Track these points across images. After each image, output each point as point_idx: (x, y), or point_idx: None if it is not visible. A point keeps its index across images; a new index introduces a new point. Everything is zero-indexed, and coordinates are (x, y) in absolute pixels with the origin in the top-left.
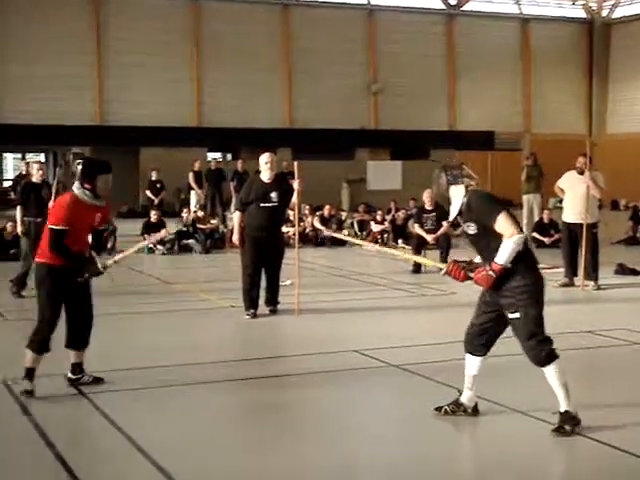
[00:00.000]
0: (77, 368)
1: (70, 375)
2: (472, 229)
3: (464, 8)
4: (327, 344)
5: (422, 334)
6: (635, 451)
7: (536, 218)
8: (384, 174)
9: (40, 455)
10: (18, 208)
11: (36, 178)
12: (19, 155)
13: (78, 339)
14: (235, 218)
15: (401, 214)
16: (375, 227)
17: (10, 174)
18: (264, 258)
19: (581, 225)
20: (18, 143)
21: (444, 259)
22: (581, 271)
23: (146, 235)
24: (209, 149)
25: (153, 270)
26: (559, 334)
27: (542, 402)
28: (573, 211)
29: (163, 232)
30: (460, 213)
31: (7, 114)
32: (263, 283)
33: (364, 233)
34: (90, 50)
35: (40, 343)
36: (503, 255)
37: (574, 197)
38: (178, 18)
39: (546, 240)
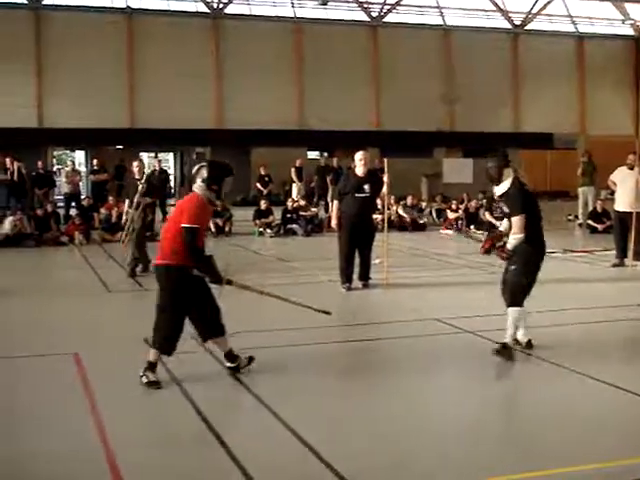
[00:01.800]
0: (230, 355)
1: (229, 364)
2: (505, 209)
3: (527, 27)
4: (412, 313)
5: (491, 306)
6: None
7: (590, 208)
8: (457, 169)
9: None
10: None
11: (138, 175)
12: (152, 154)
13: (216, 326)
14: (334, 206)
15: (473, 204)
16: (450, 214)
17: (146, 170)
18: (358, 240)
19: (631, 213)
20: (152, 144)
21: None
22: (630, 253)
23: (256, 220)
24: (308, 148)
25: (265, 249)
26: (611, 307)
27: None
28: (623, 201)
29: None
30: (503, 194)
31: (142, 121)
32: (357, 261)
33: (441, 219)
34: (211, 68)
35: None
36: (510, 244)
37: (625, 189)
38: (284, 40)
39: (599, 227)
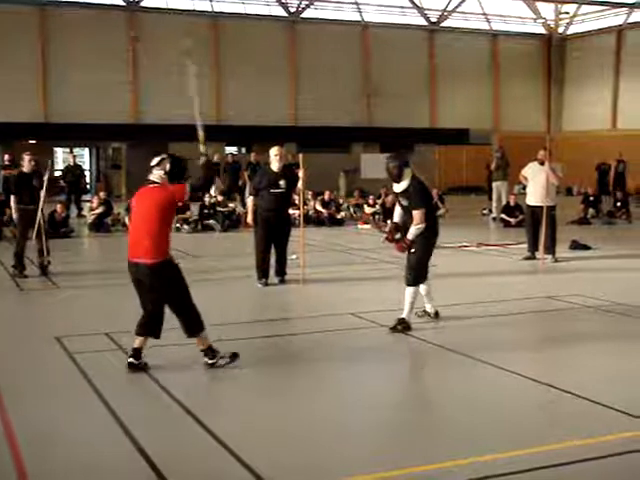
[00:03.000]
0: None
1: (208, 360)
2: (404, 203)
3: (443, 24)
4: (327, 308)
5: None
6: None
7: (504, 202)
8: (375, 164)
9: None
10: (12, 197)
11: (27, 168)
12: (67, 149)
13: (200, 321)
14: (249, 202)
15: (390, 198)
16: (368, 209)
17: (60, 165)
18: (274, 236)
19: (542, 207)
20: (66, 138)
21: None
22: (541, 246)
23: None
24: (227, 143)
25: (181, 245)
26: (524, 299)
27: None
28: (535, 196)
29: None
30: (403, 191)
31: (57, 115)
32: (273, 257)
33: (359, 214)
34: (127, 61)
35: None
36: (411, 234)
37: (536, 184)
38: (202, 35)
39: (512, 221)
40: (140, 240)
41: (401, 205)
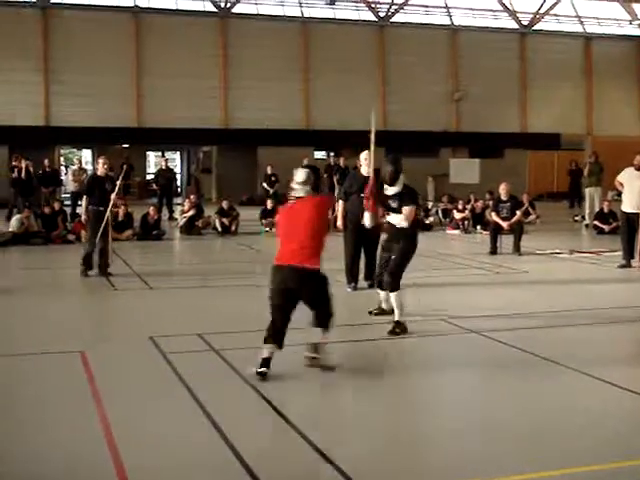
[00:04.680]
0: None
1: (313, 354)
2: (394, 205)
3: (535, 27)
4: (419, 313)
5: (495, 306)
6: None
7: (597, 208)
8: (464, 170)
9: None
10: (84, 198)
11: (100, 172)
12: (159, 153)
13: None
14: (339, 206)
15: (479, 204)
16: (457, 215)
17: (152, 169)
18: (363, 240)
19: (638, 214)
20: (159, 143)
21: (517, 244)
22: (637, 254)
23: (263, 220)
24: (315, 148)
25: (271, 249)
26: (617, 307)
27: None
28: (631, 202)
29: None
30: (396, 194)
31: (150, 120)
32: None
33: (447, 219)
34: (218, 68)
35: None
36: (393, 220)
37: (632, 190)
38: (290, 43)
39: (606, 228)
40: (302, 248)
41: (389, 207)
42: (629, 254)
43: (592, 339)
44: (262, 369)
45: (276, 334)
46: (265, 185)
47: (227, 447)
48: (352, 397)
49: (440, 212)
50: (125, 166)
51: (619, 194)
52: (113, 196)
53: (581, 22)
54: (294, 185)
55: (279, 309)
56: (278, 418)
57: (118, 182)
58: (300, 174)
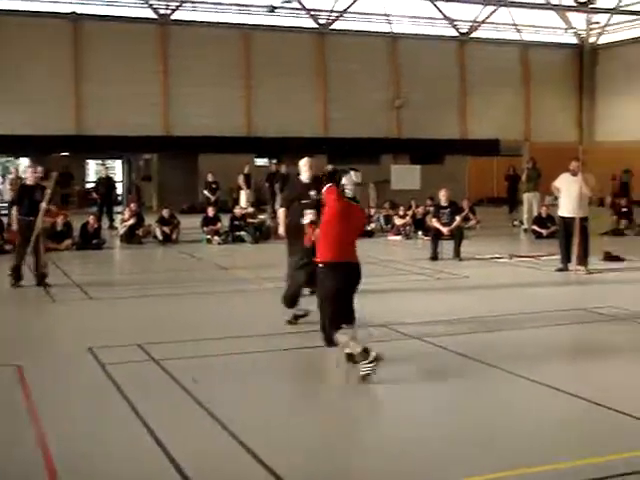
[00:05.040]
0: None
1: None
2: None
3: (473, 35)
4: (361, 320)
5: (439, 312)
6: None
7: (535, 213)
8: (405, 176)
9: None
10: (13, 207)
11: (30, 181)
12: (99, 161)
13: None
14: (280, 213)
15: (420, 210)
16: (398, 221)
17: (92, 177)
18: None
19: (574, 219)
20: (99, 151)
21: (457, 249)
22: (574, 258)
23: (204, 228)
24: (257, 155)
25: (211, 257)
26: (555, 310)
27: None
28: (567, 207)
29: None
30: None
31: (89, 128)
32: None
33: (389, 226)
34: (159, 75)
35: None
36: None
37: (568, 195)
38: (231, 50)
39: (544, 232)
40: (353, 245)
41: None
42: (566, 258)
43: (532, 342)
44: (373, 356)
45: (348, 316)
46: (206, 192)
47: (164, 455)
48: (292, 404)
49: (382, 218)
50: (55, 174)
51: (556, 199)
52: (43, 205)
53: (518, 30)
54: (350, 185)
55: (345, 295)
56: (216, 424)
57: (48, 190)
58: (355, 176)
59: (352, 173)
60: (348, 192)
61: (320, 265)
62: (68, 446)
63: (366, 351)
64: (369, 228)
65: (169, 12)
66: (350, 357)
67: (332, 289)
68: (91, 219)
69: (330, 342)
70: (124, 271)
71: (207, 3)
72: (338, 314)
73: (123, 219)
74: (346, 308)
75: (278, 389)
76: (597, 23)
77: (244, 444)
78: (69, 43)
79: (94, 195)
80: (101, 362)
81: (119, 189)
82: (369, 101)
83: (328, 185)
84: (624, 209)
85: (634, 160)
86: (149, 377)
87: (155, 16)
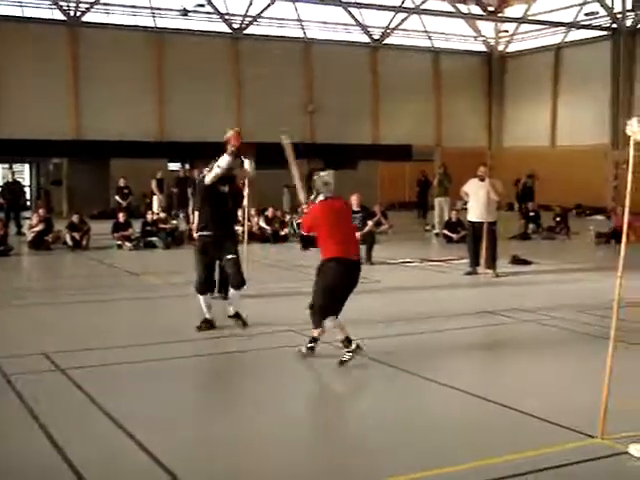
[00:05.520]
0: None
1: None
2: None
3: (386, 42)
4: (268, 324)
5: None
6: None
7: (446, 217)
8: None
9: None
10: None
11: None
12: (6, 165)
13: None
14: (195, 218)
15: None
16: None
17: None
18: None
19: (482, 223)
20: (6, 154)
21: (369, 253)
22: (482, 261)
23: (115, 233)
24: (169, 160)
25: (122, 263)
26: (463, 314)
27: None
28: (475, 212)
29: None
30: None
31: None
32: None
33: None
34: (69, 78)
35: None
36: None
37: (477, 200)
38: (143, 53)
39: (454, 236)
40: (355, 243)
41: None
42: (475, 261)
43: (442, 345)
44: (355, 345)
45: (336, 308)
46: (117, 198)
47: (64, 462)
48: (196, 407)
49: (295, 223)
50: None
51: (466, 203)
52: None
53: (429, 37)
54: (326, 186)
55: (342, 288)
56: (118, 431)
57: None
58: (329, 176)
59: (322, 174)
60: (328, 192)
61: (324, 259)
62: None
63: (348, 340)
64: (282, 233)
65: (79, 14)
66: (346, 341)
67: (331, 283)
68: None
69: (314, 323)
70: (31, 278)
71: (120, 6)
72: (329, 306)
73: (31, 225)
74: (337, 302)
75: (182, 395)
76: (505, 32)
77: (152, 454)
78: None
79: (0, 200)
80: (4, 372)
81: (27, 194)
82: (283, 106)
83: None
84: (532, 213)
85: (539, 165)
86: (54, 387)
87: (64, 17)
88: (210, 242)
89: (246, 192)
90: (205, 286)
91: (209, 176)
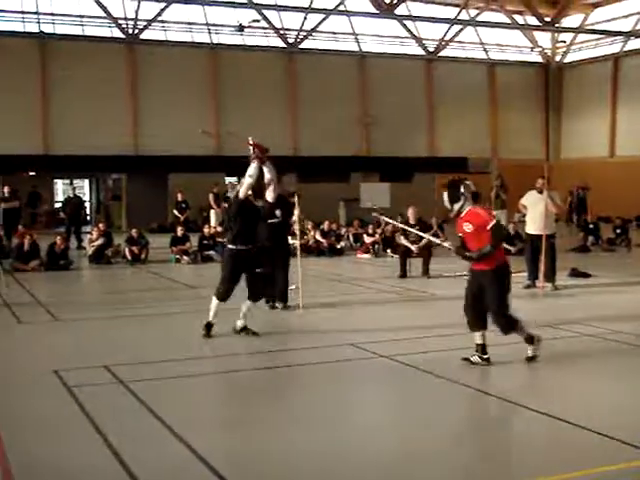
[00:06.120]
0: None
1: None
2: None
3: (441, 54)
4: (325, 337)
5: (406, 327)
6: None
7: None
8: (374, 194)
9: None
10: None
11: None
12: (67, 180)
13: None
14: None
15: (389, 228)
16: (367, 239)
17: (60, 196)
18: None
19: (541, 236)
20: (66, 170)
21: (426, 267)
22: (541, 275)
23: (173, 247)
24: (226, 174)
25: (180, 277)
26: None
27: None
28: (534, 224)
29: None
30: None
31: (57, 147)
32: None
33: (358, 244)
34: (127, 96)
35: None
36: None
37: (535, 212)
38: (199, 68)
39: (512, 249)
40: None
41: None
42: (534, 274)
43: (502, 359)
44: (486, 356)
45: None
46: (175, 212)
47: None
48: (254, 423)
49: (351, 236)
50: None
51: (524, 216)
52: None
53: (485, 49)
54: (472, 195)
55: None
56: (181, 446)
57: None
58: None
59: (469, 182)
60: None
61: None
62: (31, 471)
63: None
64: (338, 246)
65: (137, 31)
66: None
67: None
68: (58, 239)
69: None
70: (92, 292)
71: (177, 23)
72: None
73: (91, 239)
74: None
75: (237, 408)
76: (563, 42)
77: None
78: (36, 62)
79: (62, 215)
80: (67, 384)
81: (87, 209)
82: (338, 119)
83: None
84: (591, 225)
85: (598, 176)
86: (115, 399)
87: (122, 35)
88: (242, 255)
89: (295, 201)
90: (226, 295)
91: (242, 189)
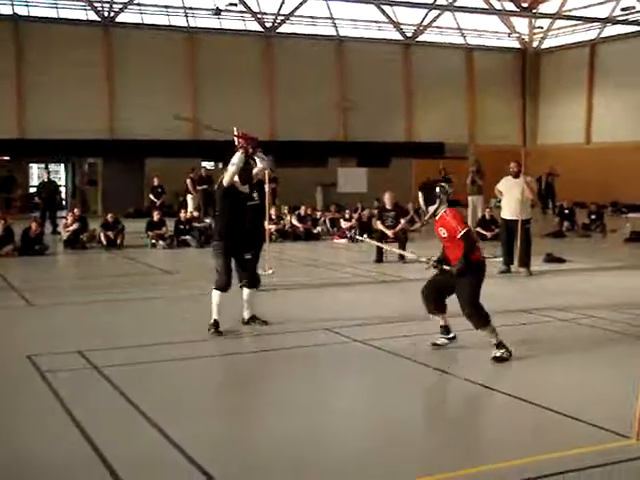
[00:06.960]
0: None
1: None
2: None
3: (419, 39)
4: (300, 321)
5: (381, 312)
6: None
7: (479, 215)
8: (352, 179)
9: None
10: None
11: None
12: (42, 165)
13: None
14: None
15: (366, 213)
16: (344, 224)
17: (35, 181)
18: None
19: (517, 221)
20: (41, 155)
21: (402, 249)
22: (516, 260)
23: (149, 232)
24: (203, 159)
25: (156, 262)
26: (499, 313)
27: None
28: (509, 210)
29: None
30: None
31: (32, 131)
32: None
33: (335, 229)
34: (103, 79)
35: None
36: None
37: (510, 198)
38: (176, 53)
39: (487, 234)
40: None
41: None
42: (509, 259)
43: (474, 345)
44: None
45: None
46: (151, 197)
47: (105, 468)
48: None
49: (328, 221)
50: None
51: (500, 201)
52: None
53: (462, 35)
54: (447, 197)
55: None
56: (155, 432)
57: None
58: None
59: (445, 185)
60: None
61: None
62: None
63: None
64: (315, 231)
65: (112, 14)
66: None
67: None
68: (33, 224)
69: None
70: (67, 277)
71: (154, 6)
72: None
73: (66, 224)
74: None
75: (211, 394)
76: (540, 28)
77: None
78: (10, 45)
79: (37, 200)
80: (40, 369)
81: (63, 193)
82: (315, 104)
83: None
84: (566, 211)
85: (574, 162)
86: (88, 384)
87: (98, 19)
88: (231, 242)
89: (267, 187)
90: (227, 284)
91: (226, 177)
